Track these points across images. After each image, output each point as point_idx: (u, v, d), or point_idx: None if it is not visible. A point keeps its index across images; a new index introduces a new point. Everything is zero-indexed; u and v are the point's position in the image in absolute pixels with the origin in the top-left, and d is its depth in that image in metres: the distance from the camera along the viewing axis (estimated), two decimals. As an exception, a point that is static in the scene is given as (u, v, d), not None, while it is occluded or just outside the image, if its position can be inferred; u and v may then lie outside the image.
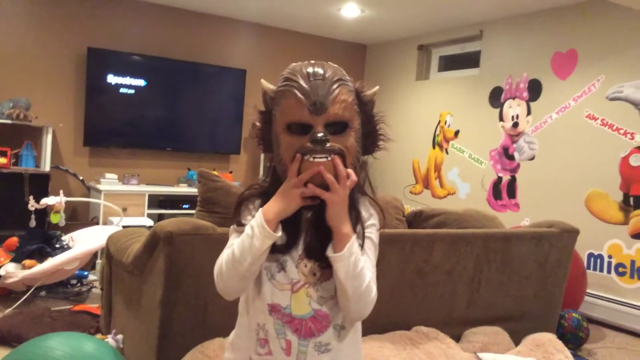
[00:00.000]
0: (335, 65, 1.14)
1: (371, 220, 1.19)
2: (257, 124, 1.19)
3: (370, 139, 1.19)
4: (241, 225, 1.15)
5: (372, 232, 1.18)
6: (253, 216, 1.13)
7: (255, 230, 1.07)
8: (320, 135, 1.06)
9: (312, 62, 1.13)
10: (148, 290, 2.07)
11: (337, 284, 1.10)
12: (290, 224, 1.11)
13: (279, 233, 1.09)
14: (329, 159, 1.06)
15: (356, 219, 1.15)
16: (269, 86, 1.15)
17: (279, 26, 5.60)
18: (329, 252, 1.09)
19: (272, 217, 1.07)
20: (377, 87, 1.20)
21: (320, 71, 1.09)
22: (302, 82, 1.08)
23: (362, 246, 1.14)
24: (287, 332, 1.12)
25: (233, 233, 1.17)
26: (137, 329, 2.17)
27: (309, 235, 1.14)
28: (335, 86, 1.09)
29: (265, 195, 1.16)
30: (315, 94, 1.07)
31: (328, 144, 1.06)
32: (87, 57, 4.68)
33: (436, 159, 5.28)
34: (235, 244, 1.11)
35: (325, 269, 1.12)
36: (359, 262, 1.09)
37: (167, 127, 5.16)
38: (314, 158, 1.06)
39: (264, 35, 5.59)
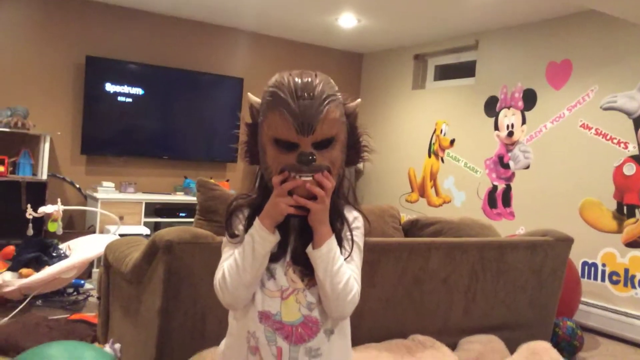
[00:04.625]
0: (323, 75, 1.13)
1: (355, 223, 1.22)
2: (244, 136, 1.21)
3: (354, 150, 1.21)
4: (234, 236, 1.17)
5: (357, 235, 1.21)
6: (244, 225, 1.17)
7: (255, 237, 1.11)
8: (307, 155, 1.08)
9: (299, 73, 1.11)
10: (147, 299, 2.08)
11: (318, 282, 1.13)
12: (278, 232, 1.14)
13: (278, 236, 1.13)
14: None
15: (342, 223, 1.19)
16: (256, 99, 1.17)
17: (276, 35, 5.64)
18: (309, 250, 1.13)
19: (267, 223, 1.11)
20: (359, 100, 1.22)
21: (309, 88, 1.08)
22: (290, 101, 1.07)
23: (351, 249, 1.18)
24: (277, 338, 1.14)
25: (226, 246, 1.19)
26: (135, 338, 2.18)
27: (296, 241, 1.17)
28: (324, 105, 1.08)
29: (253, 205, 1.18)
30: (303, 114, 1.06)
31: (315, 162, 1.08)
32: (86, 65, 4.70)
33: (432, 167, 5.31)
34: (236, 253, 1.14)
35: (313, 274, 1.14)
36: (337, 259, 1.12)
37: (164, 135, 5.17)
38: (300, 176, 1.08)
39: (262, 44, 5.62)
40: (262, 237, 1.11)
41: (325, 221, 1.13)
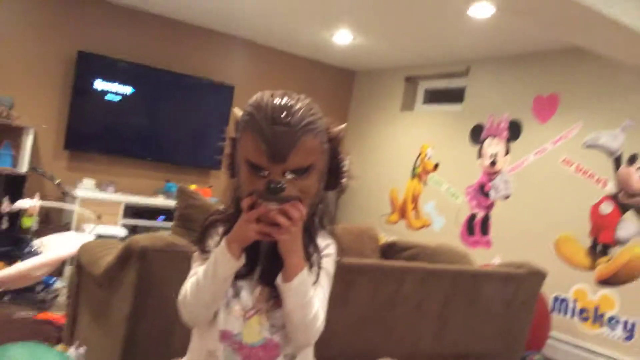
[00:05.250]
0: (307, 100, 1.09)
1: (327, 250, 1.20)
2: (228, 148, 1.19)
3: (334, 175, 1.19)
4: (205, 252, 1.16)
5: (328, 262, 1.19)
6: (216, 242, 1.14)
7: (219, 258, 1.08)
8: (275, 185, 1.04)
9: (281, 95, 1.07)
10: (116, 303, 2.06)
11: (284, 311, 1.11)
12: (248, 250, 1.11)
13: (242, 261, 1.09)
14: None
15: (313, 250, 1.17)
16: (241, 114, 1.15)
17: (270, 45, 5.65)
18: (279, 281, 1.09)
19: (234, 246, 1.08)
20: (345, 125, 1.19)
21: (287, 114, 1.04)
22: (264, 126, 1.03)
23: (317, 275, 1.15)
24: (237, 359, 1.13)
25: (197, 260, 1.18)
26: (101, 342, 2.15)
27: (265, 261, 1.15)
28: (299, 134, 1.04)
29: (229, 222, 1.16)
30: (275, 143, 1.03)
31: (284, 192, 1.04)
32: (77, 60, 4.67)
33: (414, 190, 5.34)
34: (199, 271, 1.12)
35: (279, 296, 1.12)
36: (308, 292, 1.10)
37: (149, 137, 5.14)
38: (267, 203, 1.05)
39: (255, 53, 5.63)
40: (225, 260, 1.08)
41: (295, 251, 1.09)
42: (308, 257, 1.15)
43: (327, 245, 1.21)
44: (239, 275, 1.13)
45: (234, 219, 1.13)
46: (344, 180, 1.22)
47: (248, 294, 1.14)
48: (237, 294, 1.14)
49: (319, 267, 1.17)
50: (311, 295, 1.11)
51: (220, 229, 1.17)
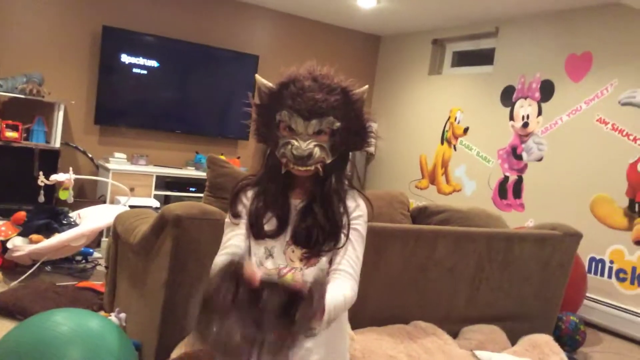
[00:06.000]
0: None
1: (357, 212, 1.20)
2: (253, 115, 1.22)
3: (359, 136, 1.20)
4: (236, 216, 1.18)
5: (359, 224, 1.20)
6: (244, 206, 1.18)
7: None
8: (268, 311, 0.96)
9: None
10: (153, 271, 2.10)
11: None
12: (279, 212, 1.14)
13: None
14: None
15: (343, 212, 1.18)
16: (264, 82, 1.18)
17: (294, 13, 5.58)
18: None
19: None
20: (366, 87, 1.20)
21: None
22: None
23: (347, 237, 1.16)
24: None
25: (229, 226, 1.20)
26: (141, 309, 2.21)
27: (297, 221, 1.17)
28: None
29: (258, 185, 1.19)
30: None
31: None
32: (102, 35, 4.69)
33: (444, 155, 5.28)
34: (215, 262, 1.13)
35: (311, 256, 1.15)
36: (336, 309, 1.06)
37: (177, 109, 5.17)
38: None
39: (279, 22, 5.57)
40: None
41: (314, 313, 0.99)
42: (338, 220, 1.16)
43: (357, 206, 1.21)
44: (271, 237, 1.15)
45: (263, 182, 1.17)
46: (370, 140, 1.22)
47: (281, 253, 1.16)
48: (270, 254, 1.16)
49: (349, 228, 1.18)
50: (340, 306, 1.08)
51: (250, 193, 1.19)
